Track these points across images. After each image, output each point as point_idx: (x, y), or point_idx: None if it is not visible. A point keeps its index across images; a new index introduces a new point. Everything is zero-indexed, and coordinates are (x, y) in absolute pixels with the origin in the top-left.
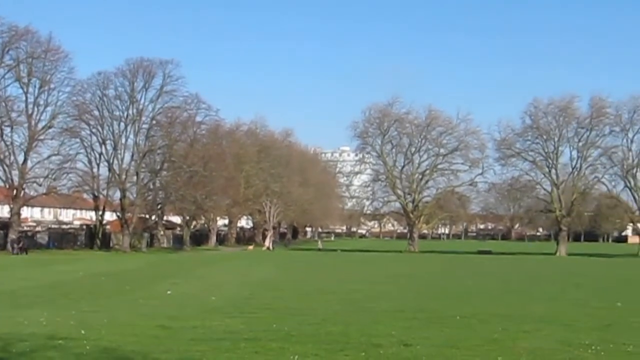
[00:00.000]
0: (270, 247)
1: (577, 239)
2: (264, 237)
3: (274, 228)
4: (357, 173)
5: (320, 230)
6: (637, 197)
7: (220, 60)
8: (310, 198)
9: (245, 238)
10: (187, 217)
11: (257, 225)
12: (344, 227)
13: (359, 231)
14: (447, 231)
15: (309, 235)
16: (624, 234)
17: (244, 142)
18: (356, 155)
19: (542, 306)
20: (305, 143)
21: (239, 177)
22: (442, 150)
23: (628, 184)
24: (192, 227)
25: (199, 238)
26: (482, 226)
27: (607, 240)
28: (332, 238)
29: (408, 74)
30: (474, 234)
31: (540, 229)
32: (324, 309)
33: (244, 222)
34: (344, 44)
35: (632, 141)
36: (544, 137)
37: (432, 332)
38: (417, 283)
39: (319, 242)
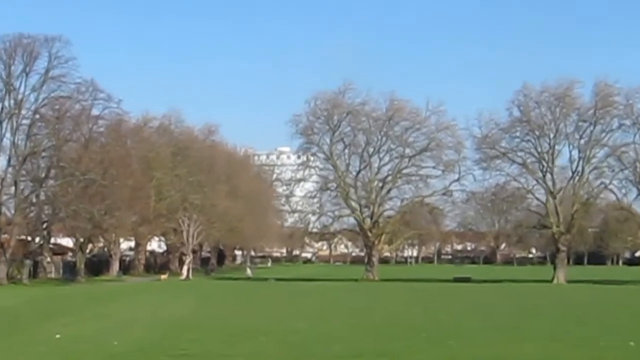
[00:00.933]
0: (189, 277)
1: (579, 261)
2: (181, 264)
3: (193, 252)
4: (299, 180)
5: (253, 254)
6: None
7: (121, 39)
8: (240, 213)
9: (156, 265)
10: (82, 239)
11: (172, 248)
12: (284, 250)
13: (303, 255)
14: (415, 254)
15: (238, 260)
16: (637, 254)
17: (154, 141)
18: (298, 157)
19: (537, 347)
20: (234, 142)
21: (149, 186)
22: (408, 151)
23: None
24: (87, 251)
25: (97, 266)
26: (459, 247)
27: (617, 263)
28: (269, 264)
29: (364, 55)
30: (450, 257)
31: (533, 250)
32: (256, 356)
33: (155, 245)
34: (279, 18)
35: None
36: (537, 133)
37: None
38: (377, 320)
39: (248, 269)
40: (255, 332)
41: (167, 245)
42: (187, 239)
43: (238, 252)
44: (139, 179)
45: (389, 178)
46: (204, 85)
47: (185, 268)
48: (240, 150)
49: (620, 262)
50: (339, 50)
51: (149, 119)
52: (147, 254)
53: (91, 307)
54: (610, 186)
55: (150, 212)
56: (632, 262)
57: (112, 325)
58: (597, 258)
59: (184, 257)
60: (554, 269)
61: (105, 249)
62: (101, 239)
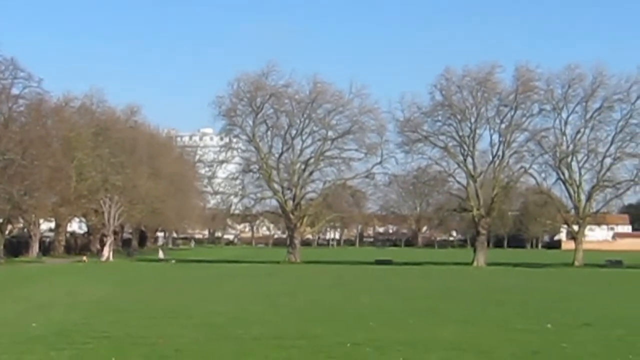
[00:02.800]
0: (110, 258)
1: (499, 244)
2: (102, 245)
3: (115, 233)
4: (222, 162)
5: (175, 235)
6: (572, 192)
7: (42, 18)
8: (162, 194)
9: (77, 246)
10: (0, 220)
11: (93, 229)
12: (207, 232)
13: (226, 236)
14: (337, 236)
15: (160, 241)
16: (556, 238)
17: (75, 122)
18: (221, 139)
19: (455, 329)
20: (156, 124)
21: (69, 167)
22: (330, 133)
23: (561, 176)
24: (7, 232)
25: (17, 247)
26: (381, 229)
27: (536, 246)
28: (192, 245)
29: (286, 36)
30: (371, 240)
31: (454, 233)
32: (177, 337)
33: (76, 226)
34: None
35: (566, 123)
36: (458, 117)
37: None
38: (298, 302)
39: (160, 251)
40: (177, 314)
41: (87, 226)
42: (108, 220)
43: (160, 234)
44: (59, 159)
45: (312, 160)
46: (126, 66)
47: (106, 249)
48: (162, 131)
49: (540, 246)
50: (263, 32)
51: (70, 98)
52: (68, 235)
53: (10, 289)
54: (530, 170)
55: (71, 193)
56: (550, 245)
57: (32, 307)
58: (516, 241)
59: (105, 239)
60: (474, 251)
61: (25, 230)
62: (20, 220)
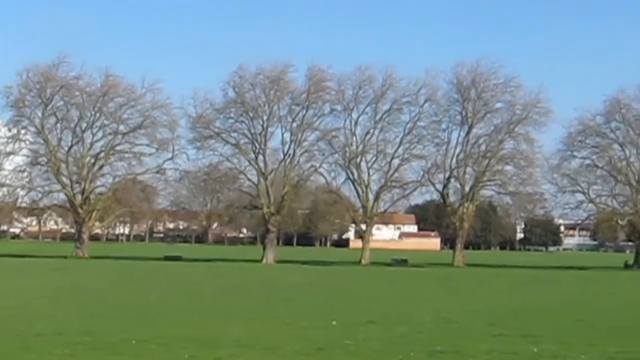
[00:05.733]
0: None
1: (289, 242)
2: None
3: None
4: (9, 154)
5: None
6: (360, 191)
7: None
8: None
9: None
10: None
11: None
12: None
13: (12, 230)
14: (127, 231)
15: None
16: (345, 236)
17: None
18: (9, 130)
19: (241, 326)
20: None
21: None
22: (122, 128)
23: (351, 176)
24: None
25: None
26: (171, 225)
27: (325, 244)
28: None
29: (79, 28)
30: (162, 235)
31: (244, 230)
32: None
33: None
34: None
35: (356, 123)
36: (251, 114)
37: None
38: (83, 298)
39: None
40: None
41: None
42: None
43: None
44: None
45: (102, 154)
46: None
47: None
48: None
49: (328, 244)
50: (51, 21)
51: None
52: None
53: None
54: (320, 169)
55: None
56: (339, 243)
57: None
58: (306, 239)
59: None
60: (264, 249)
61: None
62: None
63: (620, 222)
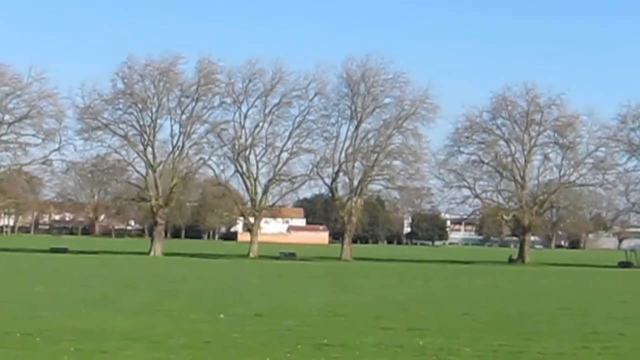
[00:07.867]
0: None
1: (177, 235)
2: None
3: None
4: None
5: None
6: (249, 184)
7: None
8: None
9: None
10: None
11: None
12: None
13: None
14: (11, 223)
15: None
16: (233, 229)
17: None
18: None
19: (128, 320)
20: None
21: None
22: (7, 117)
23: (239, 169)
24: None
25: None
26: (57, 217)
27: (214, 237)
28: None
29: None
30: (47, 227)
31: (132, 222)
32: None
33: None
34: None
35: (245, 116)
36: (140, 106)
37: None
38: None
39: None
40: None
41: None
42: None
43: None
44: None
45: None
46: None
47: None
48: None
49: (217, 237)
50: None
51: None
52: None
53: None
54: (209, 162)
55: None
56: (227, 236)
57: None
58: (194, 232)
59: None
60: (152, 241)
61: None
62: None
63: (505, 217)
